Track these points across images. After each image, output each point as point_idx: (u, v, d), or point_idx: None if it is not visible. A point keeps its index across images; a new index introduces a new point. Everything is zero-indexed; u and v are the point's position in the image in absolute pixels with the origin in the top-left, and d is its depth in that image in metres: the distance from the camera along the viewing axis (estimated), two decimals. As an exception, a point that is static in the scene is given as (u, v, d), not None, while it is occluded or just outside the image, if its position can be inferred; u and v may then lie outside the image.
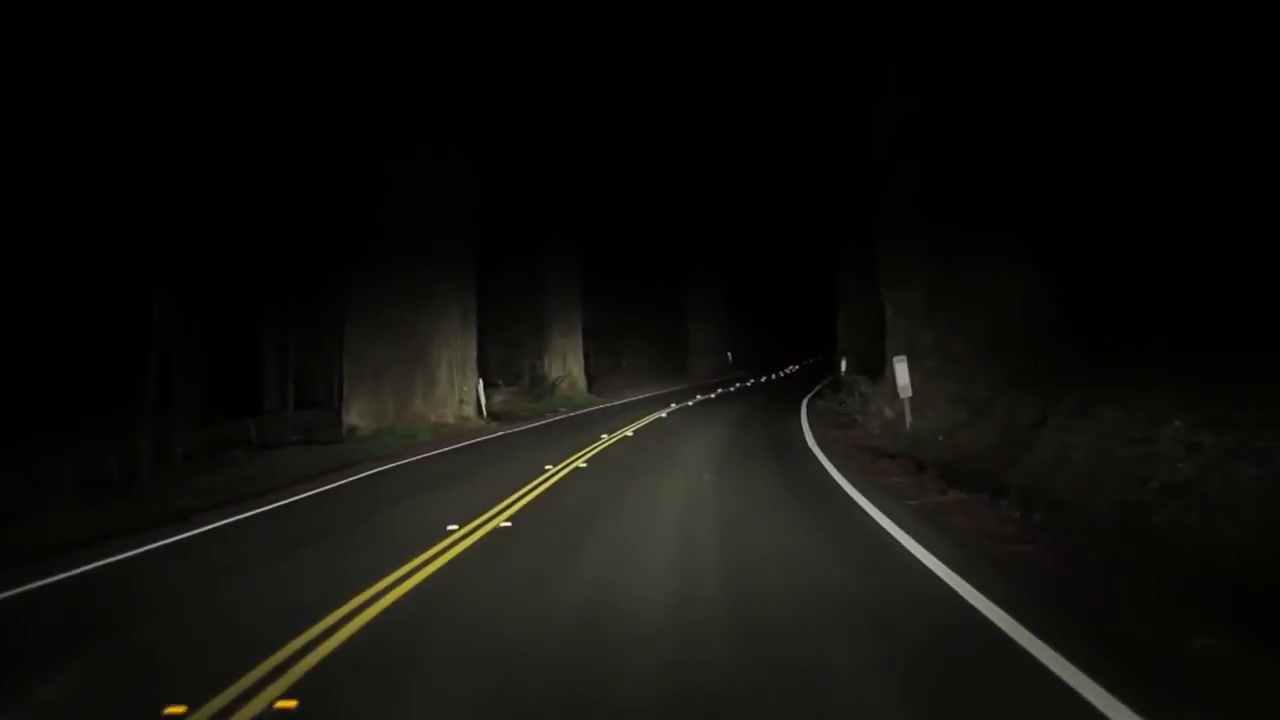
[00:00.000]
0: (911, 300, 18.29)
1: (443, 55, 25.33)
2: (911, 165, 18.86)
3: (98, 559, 8.66)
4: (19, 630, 6.56)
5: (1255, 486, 7.05)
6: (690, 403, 31.36)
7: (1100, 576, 6.21)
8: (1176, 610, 5.25)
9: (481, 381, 27.12)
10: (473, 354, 26.47)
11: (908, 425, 16.59)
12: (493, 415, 27.26)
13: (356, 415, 23.81)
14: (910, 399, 16.73)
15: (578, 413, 30.07)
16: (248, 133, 26.07)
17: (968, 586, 5.96)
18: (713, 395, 36.07)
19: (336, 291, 25.90)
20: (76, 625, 6.51)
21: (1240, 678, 4.33)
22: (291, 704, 4.53)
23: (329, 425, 25.30)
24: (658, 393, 38.91)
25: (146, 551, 9.13)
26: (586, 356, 42.95)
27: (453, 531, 9.06)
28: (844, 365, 36.35)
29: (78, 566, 8.34)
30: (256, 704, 4.54)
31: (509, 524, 9.53)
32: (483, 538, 8.84)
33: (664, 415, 25.73)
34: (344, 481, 14.46)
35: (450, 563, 7.72)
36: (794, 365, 65.30)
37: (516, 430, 23.66)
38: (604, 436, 19.25)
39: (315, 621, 5.83)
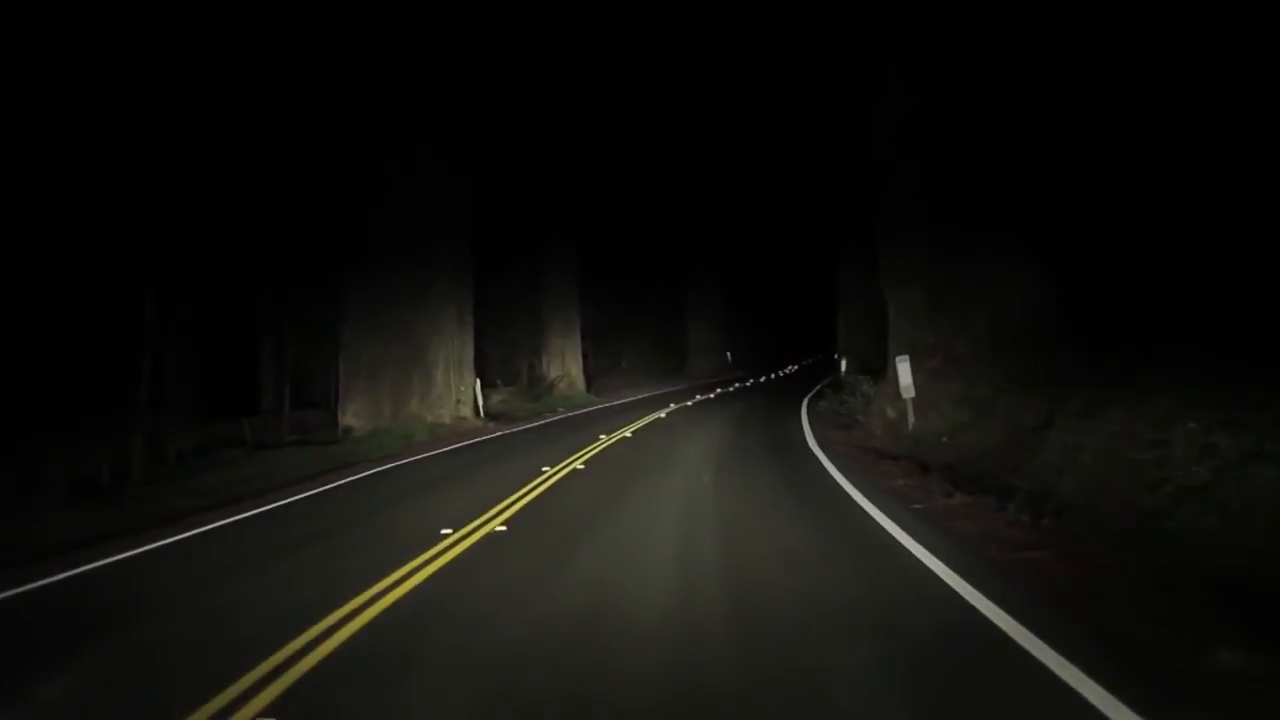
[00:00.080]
0: (913, 300, 18.05)
1: (442, 55, 25.09)
2: (912, 164, 18.63)
3: (74, 566, 8.39)
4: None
5: (1276, 490, 6.81)
6: (689, 403, 31.13)
7: (1117, 585, 5.97)
8: (1202, 621, 5.00)
9: (479, 381, 26.88)
10: (470, 354, 26.22)
11: (910, 426, 16.35)
12: (490, 416, 27.02)
13: (352, 416, 23.57)
14: (913, 399, 16.49)
15: (576, 413, 29.84)
16: (246, 132, 25.84)
17: (979, 595, 5.71)
18: (712, 395, 35.83)
19: (334, 291, 25.67)
20: (42, 638, 6.28)
21: (1275, 699, 4.10)
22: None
23: (326, 425, 25.10)
24: (656, 393, 38.66)
25: (127, 558, 8.85)
26: (585, 356, 42.69)
27: (446, 535, 8.83)
28: (844, 365, 36.15)
29: (52, 575, 8.07)
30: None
31: (504, 528, 9.30)
32: (477, 542, 8.61)
33: (663, 415, 25.49)
34: (336, 484, 14.22)
35: (442, 569, 7.48)
36: (793, 365, 65.04)
37: (514, 431, 23.42)
38: (602, 437, 19.01)
39: (294, 636, 5.56)
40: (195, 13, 22.22)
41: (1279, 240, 12.79)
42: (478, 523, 9.53)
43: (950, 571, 6.34)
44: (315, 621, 5.81)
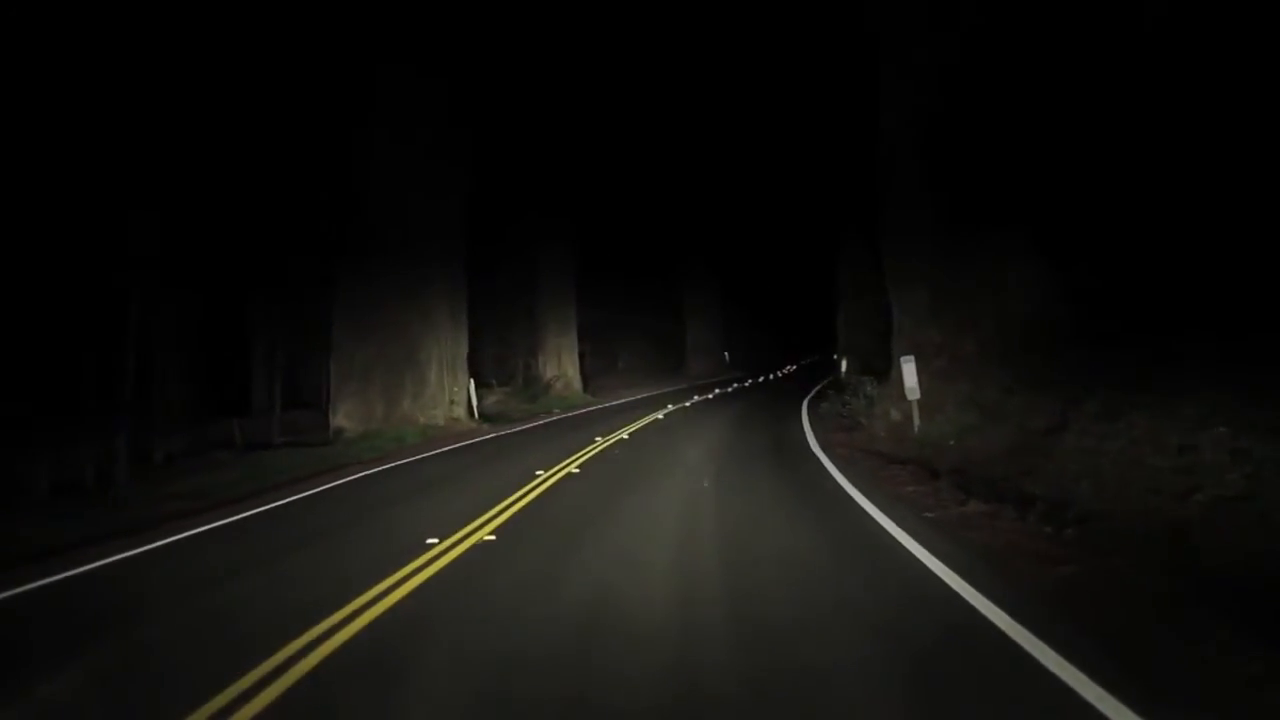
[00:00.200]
0: (918, 299, 17.58)
1: (436, 52, 24.61)
2: (918, 161, 18.18)
3: (36, 578, 7.91)
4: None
5: (1322, 501, 6.35)
6: (687, 403, 30.64)
7: (1163, 609, 5.47)
8: (1270, 652, 4.52)
9: (473, 382, 26.38)
10: (464, 353, 25.72)
11: (916, 428, 15.86)
12: (485, 417, 26.51)
13: (344, 416, 23.07)
14: (918, 401, 16.01)
15: (572, 414, 29.35)
16: (238, 129, 25.33)
17: (1012, 622, 5.17)
18: (710, 396, 35.35)
19: (328, 290, 25.17)
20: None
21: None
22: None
23: (318, 426, 24.58)
24: (654, 393, 38.19)
25: (95, 569, 8.38)
26: (582, 356, 42.23)
27: (432, 545, 8.35)
28: (844, 365, 35.71)
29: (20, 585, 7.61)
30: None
31: (493, 537, 8.81)
32: (464, 553, 8.13)
33: (660, 416, 25.00)
34: (320, 489, 13.70)
35: (424, 584, 6.99)
36: (791, 365, 64.62)
37: (508, 432, 22.93)
38: (598, 439, 18.52)
39: (253, 667, 5.05)
40: (186, 5, 21.79)
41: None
42: (466, 531, 9.06)
43: (977, 594, 5.80)
44: (275, 650, 5.31)
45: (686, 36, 39.62)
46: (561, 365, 39.78)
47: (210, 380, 32.08)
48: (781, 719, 4.28)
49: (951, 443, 14.63)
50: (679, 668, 4.87)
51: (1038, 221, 16.57)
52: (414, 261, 23.78)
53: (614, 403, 34.03)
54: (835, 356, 46.57)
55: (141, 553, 9.10)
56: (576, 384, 40.21)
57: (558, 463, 14.64)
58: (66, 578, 7.98)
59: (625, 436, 19.36)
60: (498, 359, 38.79)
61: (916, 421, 15.93)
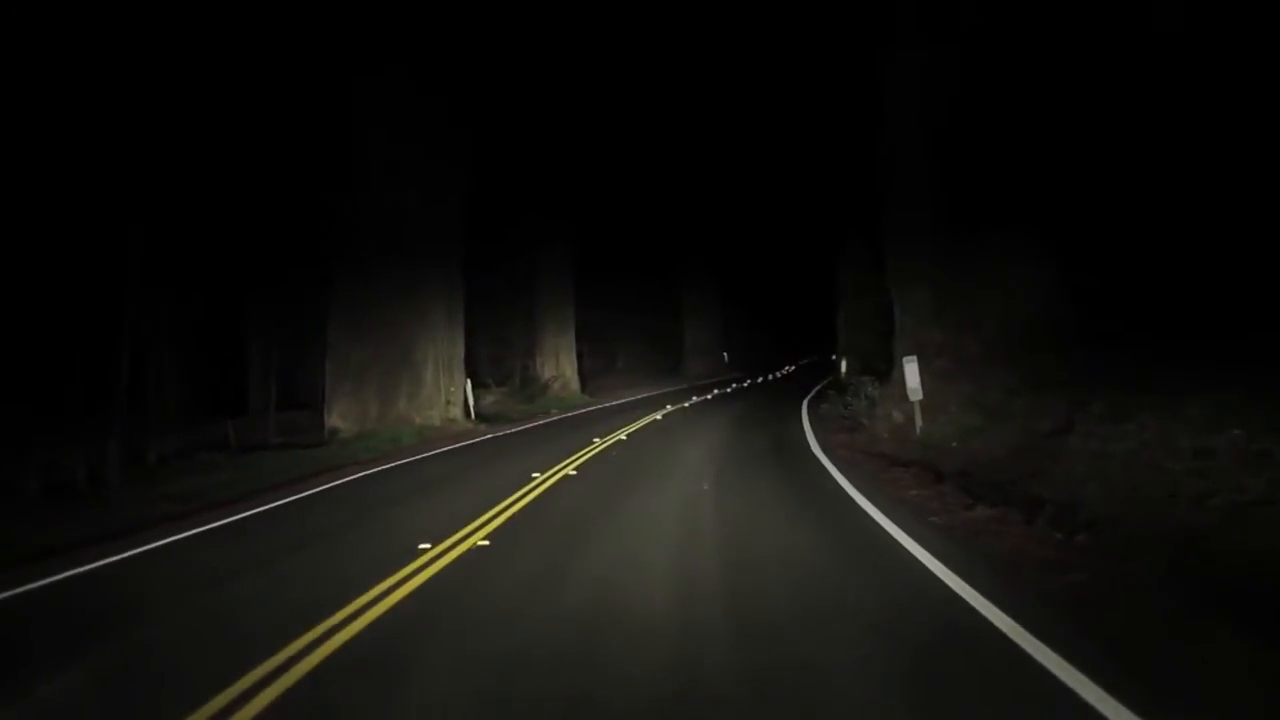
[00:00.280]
0: (921, 299, 17.35)
1: (436, 46, 24.35)
2: (922, 161, 17.97)
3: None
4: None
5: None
6: (686, 404, 30.41)
7: (1179, 619, 5.23)
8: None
9: (469, 382, 26.12)
10: (460, 353, 25.45)
11: (918, 430, 15.63)
12: (482, 417, 26.26)
13: (338, 417, 22.80)
14: (920, 402, 15.78)
15: (570, 415, 29.11)
16: (232, 128, 25.06)
17: (1027, 634, 4.91)
18: (709, 396, 35.13)
19: (325, 290, 24.91)
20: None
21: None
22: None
23: (314, 427, 24.31)
24: (652, 394, 37.95)
25: (72, 576, 8.12)
26: (580, 356, 41.97)
27: (424, 551, 8.11)
28: (844, 366, 35.48)
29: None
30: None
31: (487, 542, 8.57)
32: (457, 559, 7.88)
33: (658, 417, 24.77)
34: (312, 491, 13.45)
35: (414, 593, 6.74)
36: (790, 365, 64.37)
37: (505, 433, 22.69)
38: (596, 441, 18.28)
39: (228, 685, 4.77)
40: (184, 5, 21.55)
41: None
42: (459, 536, 8.81)
43: (988, 603, 5.55)
44: (254, 666, 5.03)
45: (686, 35, 39.29)
46: (559, 365, 39.53)
47: (207, 380, 31.85)
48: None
49: (954, 444, 14.41)
50: (679, 666, 4.70)
51: (1041, 221, 16.39)
52: (410, 261, 23.52)
53: (612, 403, 33.80)
54: (834, 357, 46.36)
55: (118, 560, 8.76)
56: (574, 384, 39.95)
57: (555, 464, 14.41)
58: (32, 590, 7.63)
59: (623, 438, 19.12)
60: (495, 359, 38.52)
61: (919, 423, 15.70)
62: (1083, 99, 15.95)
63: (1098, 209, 16.13)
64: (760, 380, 48.50)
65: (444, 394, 24.14)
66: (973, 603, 5.64)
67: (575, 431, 21.31)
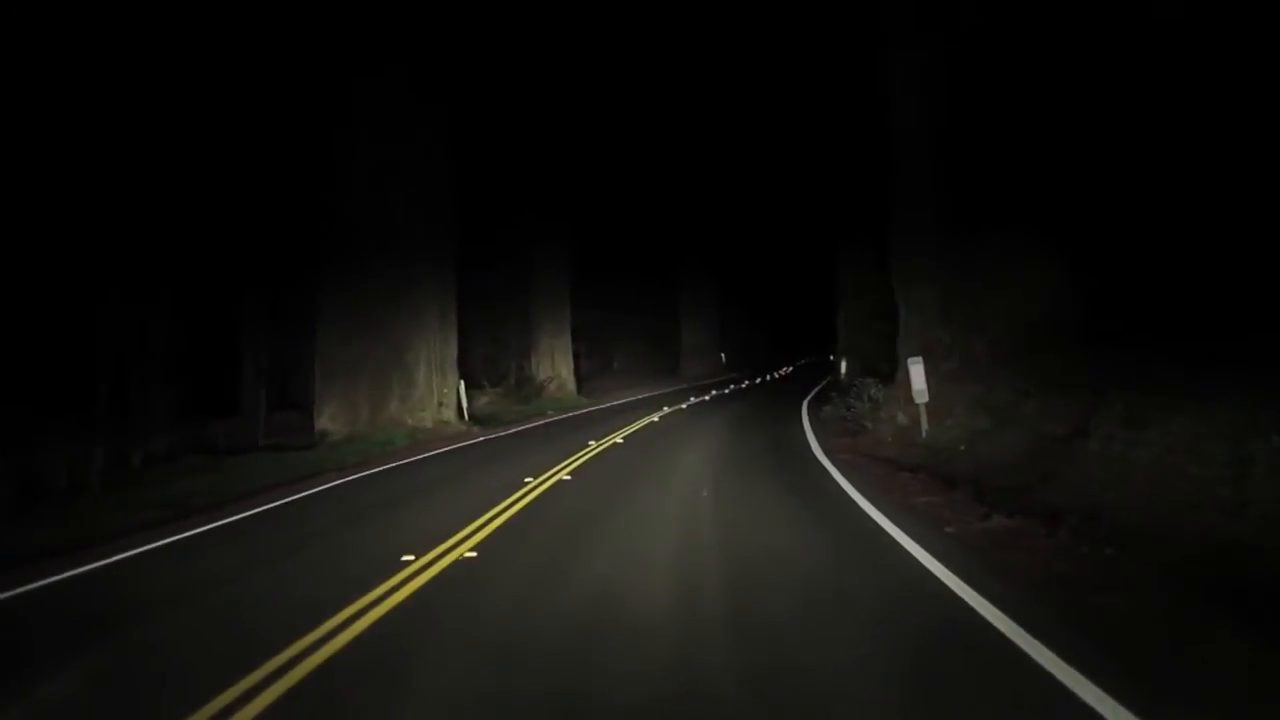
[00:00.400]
0: (926, 298, 16.87)
1: (424, 46, 23.87)
2: (928, 160, 17.50)
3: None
4: None
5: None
6: (684, 405, 29.90)
7: (1223, 645, 4.75)
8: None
9: (463, 383, 25.60)
10: (453, 354, 24.92)
11: (924, 433, 15.16)
12: (476, 419, 25.76)
13: (328, 419, 22.29)
14: (926, 404, 15.30)
15: (566, 416, 28.61)
16: (224, 126, 24.60)
17: (1073, 672, 4.39)
18: (707, 397, 34.65)
19: (316, 288, 24.42)
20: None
21: None
22: None
23: (306, 429, 23.81)
24: (649, 395, 37.50)
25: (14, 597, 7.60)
26: (576, 357, 41.48)
27: (407, 564, 7.62)
28: (844, 366, 35.01)
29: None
30: None
31: (474, 554, 8.07)
32: (442, 572, 7.39)
33: (656, 419, 24.29)
34: (299, 496, 12.95)
35: (394, 610, 6.25)
36: (788, 366, 63.97)
37: (499, 435, 22.19)
38: (591, 443, 17.79)
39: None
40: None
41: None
42: (446, 546, 8.32)
43: (1021, 630, 5.01)
44: (215, 695, 4.56)
45: (684, 34, 38.89)
46: (555, 366, 39.03)
47: (199, 381, 31.32)
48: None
49: (962, 448, 13.95)
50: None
51: (1048, 220, 15.93)
52: (402, 260, 23.00)
53: (609, 404, 33.30)
54: (832, 357, 45.96)
55: (64, 579, 8.18)
56: (571, 385, 39.47)
57: (549, 468, 13.92)
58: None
59: (620, 440, 18.63)
60: (490, 360, 38.00)
61: (925, 426, 15.23)
62: (1087, 95, 15.51)
63: (1106, 207, 15.68)
64: (759, 381, 48.05)
65: (436, 395, 23.63)
66: (1004, 630, 5.10)
67: (571, 434, 20.82)
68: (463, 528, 9.19)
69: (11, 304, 20.17)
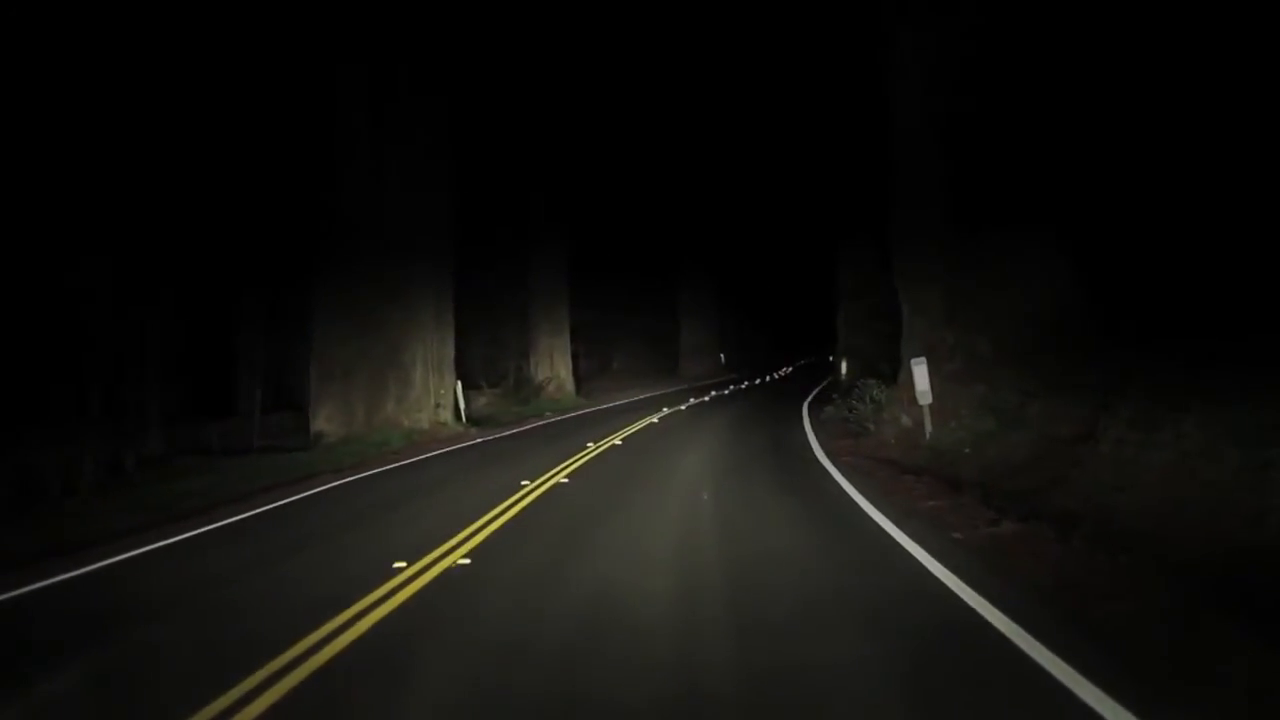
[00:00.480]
0: (930, 298, 16.60)
1: (423, 41, 23.61)
2: (932, 159, 17.22)
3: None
4: None
5: None
6: (683, 406, 29.64)
7: (1253, 666, 4.50)
8: None
9: (460, 384, 25.33)
10: (450, 354, 24.65)
11: (928, 435, 14.90)
12: (473, 420, 25.50)
13: (324, 420, 22.02)
14: (930, 405, 15.05)
15: (564, 417, 28.35)
16: (219, 123, 24.35)
17: (1099, 693, 4.16)
18: (706, 398, 34.40)
19: (313, 287, 24.16)
20: None
21: None
22: None
23: (302, 430, 23.55)
24: (648, 395, 37.26)
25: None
26: (575, 358, 41.21)
27: (398, 571, 7.37)
28: (844, 367, 34.76)
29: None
30: None
31: (468, 560, 7.82)
32: (433, 580, 7.15)
33: (655, 421, 24.04)
34: (290, 499, 12.68)
35: (382, 621, 6.00)
36: (788, 367, 63.70)
37: (497, 437, 21.92)
38: (590, 445, 17.54)
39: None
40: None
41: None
42: (438, 553, 8.07)
43: (1040, 645, 4.75)
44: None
45: (683, 33, 38.64)
46: (554, 367, 38.77)
47: (195, 382, 31.07)
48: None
49: (967, 450, 13.70)
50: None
51: (1055, 219, 15.68)
52: (398, 259, 22.72)
53: (607, 406, 33.04)
54: (831, 358, 45.71)
55: (58, 581, 8.02)
56: (569, 386, 39.21)
57: (546, 471, 13.67)
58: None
59: (619, 442, 18.38)
60: (488, 360, 37.73)
61: (928, 427, 14.97)
62: (1101, 93, 15.26)
63: (1112, 206, 15.43)
64: (758, 382, 47.80)
65: (433, 396, 23.37)
66: (1021, 645, 4.84)
67: (569, 435, 20.57)
68: (457, 533, 8.94)
69: (2, 303, 19.94)
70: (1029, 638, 4.90)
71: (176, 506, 12.47)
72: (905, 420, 16.10)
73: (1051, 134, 15.64)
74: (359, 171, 22.62)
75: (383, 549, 8.39)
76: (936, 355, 15.66)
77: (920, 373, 15.01)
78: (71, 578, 8.07)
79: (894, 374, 18.86)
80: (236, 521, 10.99)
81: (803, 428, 20.74)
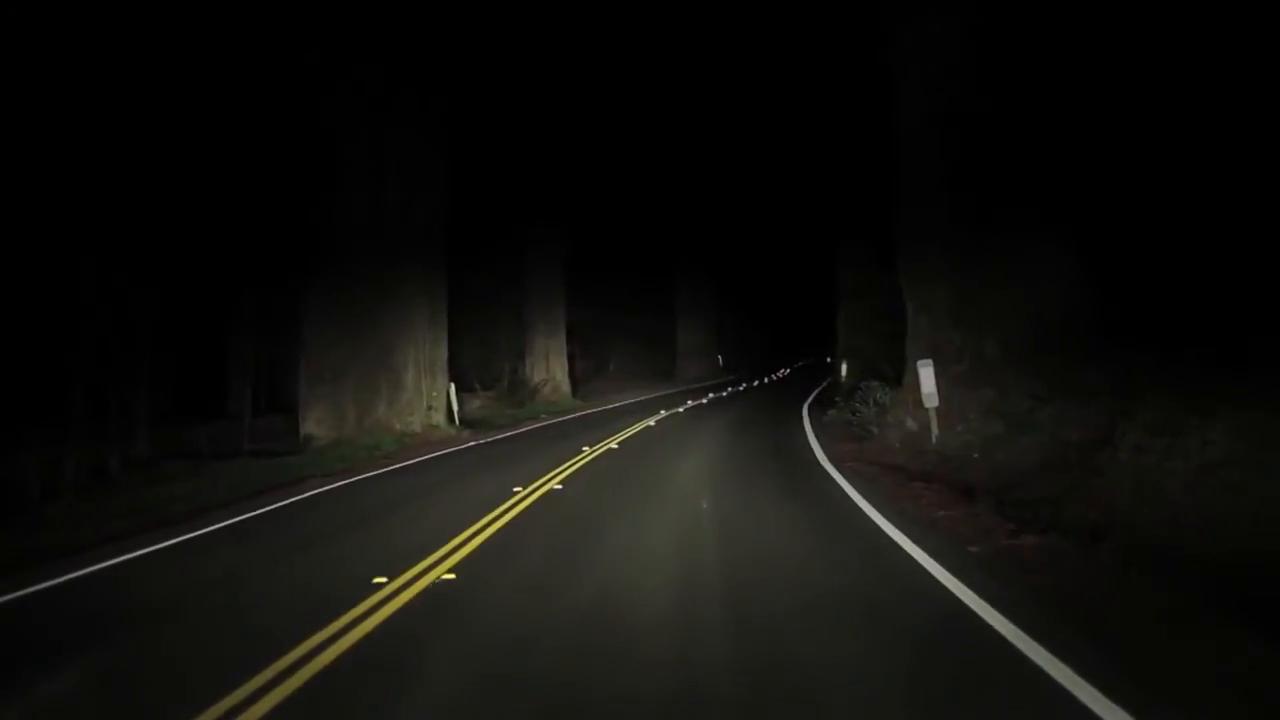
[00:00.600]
0: (936, 298, 16.14)
1: (421, 40, 23.14)
2: (937, 154, 16.78)
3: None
4: None
5: None
6: (681, 409, 29.15)
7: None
8: None
9: (454, 386, 24.81)
10: (443, 356, 24.15)
11: (934, 439, 14.44)
12: (466, 423, 25.00)
13: (314, 423, 21.51)
14: (936, 409, 14.58)
15: (560, 420, 27.84)
16: (208, 121, 23.86)
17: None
18: (704, 400, 33.93)
19: (304, 288, 23.68)
20: None
21: None
22: None
23: (293, 432, 23.07)
24: (646, 397, 36.81)
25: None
26: (571, 359, 40.73)
27: (379, 587, 6.90)
28: (844, 368, 34.32)
29: None
30: None
31: (453, 575, 7.34)
32: (417, 596, 6.68)
33: (652, 424, 23.55)
34: (275, 506, 12.19)
35: (357, 645, 5.52)
36: (786, 368, 63.34)
37: (490, 440, 21.42)
38: (585, 449, 17.05)
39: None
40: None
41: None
42: (423, 566, 7.60)
43: (1078, 679, 4.31)
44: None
45: (682, 31, 38.18)
46: (549, 368, 38.29)
47: (188, 383, 30.62)
48: None
49: (975, 455, 13.25)
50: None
51: (1065, 218, 15.24)
52: (391, 259, 22.24)
53: (604, 408, 32.54)
54: (830, 359, 45.31)
55: (53, 586, 7.59)
56: (565, 388, 38.73)
57: (540, 477, 13.19)
58: None
59: (615, 446, 17.90)
60: (483, 361, 37.26)
61: (935, 431, 14.50)
62: (1110, 90, 14.84)
63: (1122, 203, 15.00)
64: (757, 383, 47.36)
65: (426, 398, 22.87)
66: (1062, 680, 4.36)
67: (564, 439, 20.07)
68: (444, 544, 8.47)
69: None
70: (1088, 687, 4.27)
71: (156, 513, 12.07)
72: (911, 424, 15.63)
73: (1057, 131, 15.22)
74: (352, 171, 22.15)
75: (364, 562, 7.92)
76: (943, 357, 15.20)
77: (926, 374, 14.55)
78: (44, 589, 7.64)
79: (896, 375, 18.42)
80: (212, 532, 10.47)
81: (804, 431, 20.27)
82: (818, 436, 18.65)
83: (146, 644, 6.02)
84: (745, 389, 42.74)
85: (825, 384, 39.21)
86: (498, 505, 10.69)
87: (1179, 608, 5.46)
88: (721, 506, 10.53)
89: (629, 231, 50.35)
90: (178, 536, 10.07)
